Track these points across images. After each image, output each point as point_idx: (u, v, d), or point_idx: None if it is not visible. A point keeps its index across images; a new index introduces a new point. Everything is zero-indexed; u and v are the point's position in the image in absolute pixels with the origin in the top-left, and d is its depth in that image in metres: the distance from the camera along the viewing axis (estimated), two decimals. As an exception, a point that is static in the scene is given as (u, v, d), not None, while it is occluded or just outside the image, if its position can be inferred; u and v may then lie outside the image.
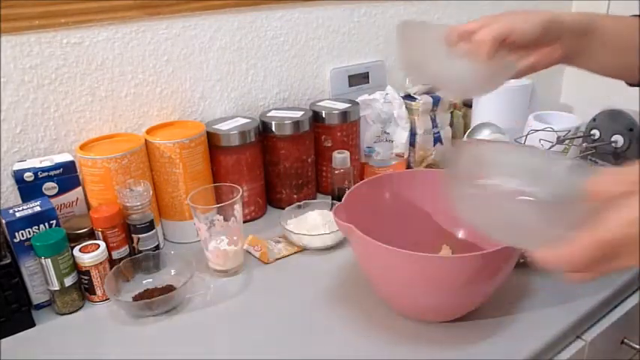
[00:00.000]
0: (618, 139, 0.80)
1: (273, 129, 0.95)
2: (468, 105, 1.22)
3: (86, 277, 0.73)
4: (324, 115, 1.00)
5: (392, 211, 0.79)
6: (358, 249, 0.66)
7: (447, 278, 0.60)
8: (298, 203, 0.93)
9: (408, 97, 1.11)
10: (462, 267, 0.59)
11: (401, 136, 1.09)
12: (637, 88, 0.66)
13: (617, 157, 0.81)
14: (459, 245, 0.78)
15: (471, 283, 0.61)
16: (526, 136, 0.90)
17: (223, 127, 0.92)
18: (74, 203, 0.81)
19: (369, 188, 0.77)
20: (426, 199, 0.80)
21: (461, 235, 0.79)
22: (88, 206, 0.83)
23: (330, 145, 1.01)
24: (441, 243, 0.79)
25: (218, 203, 0.80)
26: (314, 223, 0.87)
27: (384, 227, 0.76)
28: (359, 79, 1.16)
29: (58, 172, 0.78)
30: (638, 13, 0.67)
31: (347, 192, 0.73)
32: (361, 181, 0.76)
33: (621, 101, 1.43)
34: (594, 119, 0.84)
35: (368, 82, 1.18)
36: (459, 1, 1.29)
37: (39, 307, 0.74)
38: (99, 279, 0.74)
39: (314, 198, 1.02)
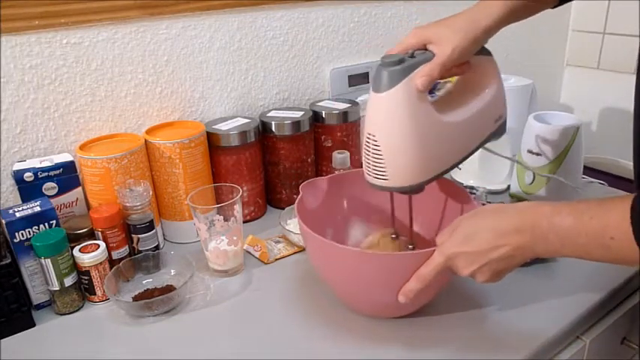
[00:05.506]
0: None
1: (273, 129, 0.95)
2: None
3: (86, 278, 0.73)
4: (324, 115, 1.00)
5: (347, 209, 0.80)
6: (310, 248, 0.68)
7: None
8: (298, 203, 0.93)
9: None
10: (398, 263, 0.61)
11: (401, 136, 1.09)
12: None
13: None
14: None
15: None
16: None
17: (223, 127, 0.92)
18: (74, 203, 0.81)
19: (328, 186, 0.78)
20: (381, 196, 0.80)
21: (418, 231, 0.79)
22: (88, 206, 0.83)
23: (330, 145, 1.01)
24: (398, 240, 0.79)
25: (218, 203, 0.80)
26: (314, 223, 0.87)
27: (339, 224, 0.77)
28: (359, 79, 1.16)
29: (58, 172, 0.78)
30: None
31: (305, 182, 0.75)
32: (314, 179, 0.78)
33: (620, 101, 1.44)
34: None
35: (368, 82, 1.17)
36: (459, 2, 1.29)
37: (39, 307, 0.74)
38: (99, 279, 0.74)
39: (314, 198, 1.02)
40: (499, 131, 0.71)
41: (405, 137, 0.60)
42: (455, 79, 0.72)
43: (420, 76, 0.59)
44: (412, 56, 0.60)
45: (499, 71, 0.70)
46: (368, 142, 0.61)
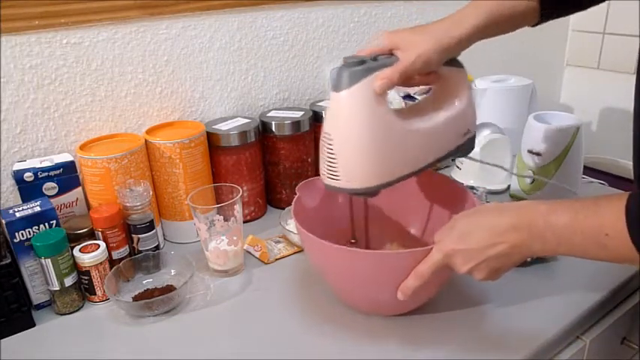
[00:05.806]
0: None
1: (273, 129, 0.95)
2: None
3: (86, 278, 0.73)
4: (324, 115, 1.00)
5: (345, 208, 0.79)
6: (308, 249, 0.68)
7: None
8: (298, 203, 0.93)
9: (408, 97, 1.11)
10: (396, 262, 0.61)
11: (401, 136, 1.09)
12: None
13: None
14: (410, 243, 0.79)
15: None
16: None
17: (223, 127, 0.92)
18: (74, 203, 0.81)
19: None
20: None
21: (412, 232, 0.80)
22: (88, 206, 0.83)
23: (330, 145, 1.01)
24: (390, 241, 0.80)
25: (218, 203, 0.80)
26: (314, 223, 0.87)
27: (334, 225, 0.77)
28: (359, 79, 1.16)
29: (58, 172, 0.78)
30: None
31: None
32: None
33: (620, 101, 1.44)
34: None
35: (368, 82, 1.17)
36: (459, 2, 1.29)
37: (39, 307, 0.74)
38: (99, 279, 0.74)
39: (314, 198, 1.02)
40: (466, 146, 0.70)
41: (358, 138, 0.59)
42: None
43: (380, 79, 0.58)
44: (375, 59, 0.60)
45: (469, 85, 0.69)
46: (323, 141, 0.61)
